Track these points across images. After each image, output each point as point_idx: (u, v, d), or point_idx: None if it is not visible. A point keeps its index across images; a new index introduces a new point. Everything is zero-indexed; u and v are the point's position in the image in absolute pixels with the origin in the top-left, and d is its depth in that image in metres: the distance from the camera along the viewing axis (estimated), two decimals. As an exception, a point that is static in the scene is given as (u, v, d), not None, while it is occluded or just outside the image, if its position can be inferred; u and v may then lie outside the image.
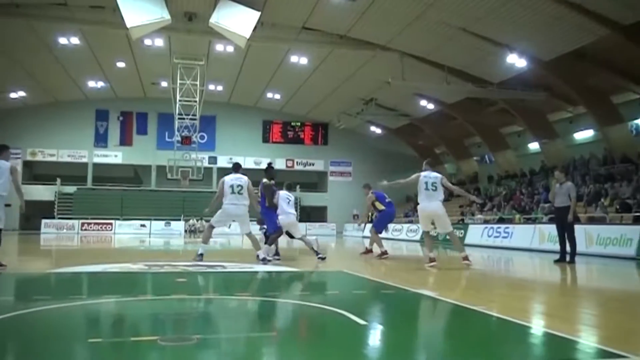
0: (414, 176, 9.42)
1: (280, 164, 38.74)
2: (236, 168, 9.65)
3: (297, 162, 39.41)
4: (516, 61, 21.74)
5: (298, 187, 37.80)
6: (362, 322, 4.20)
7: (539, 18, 18.32)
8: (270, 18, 22.37)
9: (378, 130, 37.41)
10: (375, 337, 3.95)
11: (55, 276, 7.71)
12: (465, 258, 9.02)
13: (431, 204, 9.07)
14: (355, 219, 33.47)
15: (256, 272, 8.35)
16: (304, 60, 27.47)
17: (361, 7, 20.77)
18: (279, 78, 30.94)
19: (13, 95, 31.64)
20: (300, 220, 35.98)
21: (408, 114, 33.34)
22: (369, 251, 12.52)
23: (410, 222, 27.86)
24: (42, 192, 34.20)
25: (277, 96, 35.19)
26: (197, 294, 6.11)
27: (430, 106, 30.46)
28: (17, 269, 8.29)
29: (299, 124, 39.72)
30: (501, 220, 21.73)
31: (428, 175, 9.21)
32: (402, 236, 25.03)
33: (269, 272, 8.37)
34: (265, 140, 39.13)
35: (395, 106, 32.71)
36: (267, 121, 39.11)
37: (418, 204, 9.40)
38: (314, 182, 41.28)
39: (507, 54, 21.46)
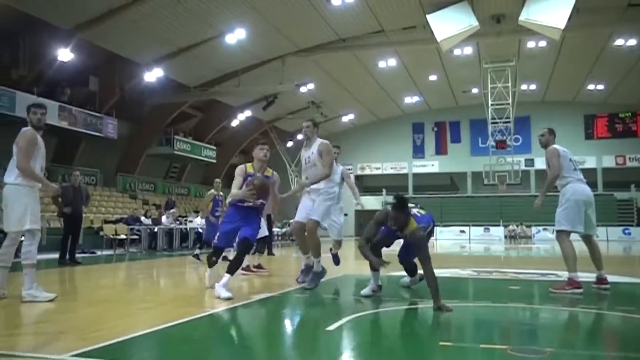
0: (555, 155, 6.40)
1: (608, 162, 34.51)
2: None
3: (629, 158, 34.44)
4: None
5: (632, 186, 33.04)
6: None
7: None
8: (588, 2, 20.21)
9: None
10: None
11: (392, 279, 8.34)
12: (603, 281, 6.20)
13: (587, 188, 6.27)
14: None
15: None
16: (631, 42, 24.01)
17: None
18: (600, 66, 27.70)
19: (344, 118, 36.07)
20: (638, 224, 31.60)
21: None
22: None
23: None
24: (372, 202, 37.81)
25: (600, 86, 31.51)
26: (535, 303, 5.80)
27: None
28: (357, 271, 9.18)
29: (629, 114, 34.70)
30: None
31: (568, 151, 6.54)
32: None
33: (613, 283, 7.43)
34: (589, 136, 35.36)
35: None
36: (589, 115, 35.29)
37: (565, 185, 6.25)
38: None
39: None
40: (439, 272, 8.67)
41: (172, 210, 19.29)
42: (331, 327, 4.07)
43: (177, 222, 18.96)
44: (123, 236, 16.74)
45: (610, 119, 35.06)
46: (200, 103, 28.19)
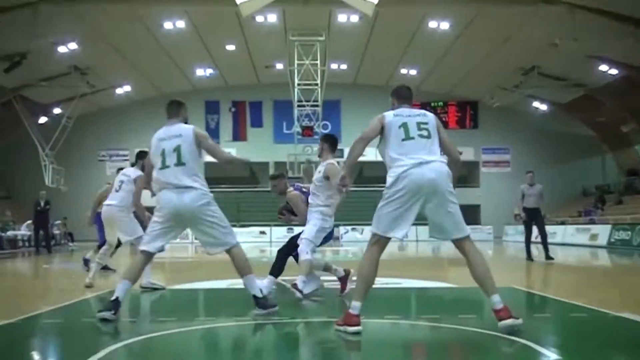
0: (374, 122, 5.15)
1: (419, 154, 38.32)
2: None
3: (440, 151, 38.75)
4: None
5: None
6: (553, 355, 3.95)
7: None
8: (403, -24, 22.23)
9: (543, 107, 35.71)
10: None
11: (180, 293, 8.23)
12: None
13: (424, 172, 4.84)
14: (517, 219, 32.08)
15: (403, 289, 8.28)
16: (445, 25, 26.95)
17: (517, -48, 19.96)
18: (414, 50, 30.61)
19: (119, 90, 34.52)
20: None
21: (582, 84, 31.47)
22: None
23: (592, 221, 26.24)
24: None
25: (413, 72, 34.83)
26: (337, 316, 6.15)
27: (613, 71, 28.48)
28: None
29: (441, 104, 39.05)
30: None
31: (404, 113, 5.25)
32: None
33: (420, 289, 8.27)
34: (401, 126, 38.85)
35: (565, 74, 31.04)
36: (402, 103, 38.84)
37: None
38: (462, 174, 40.28)
39: None
40: (231, 284, 8.75)
41: None
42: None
43: None
44: None
45: (422, 107, 38.01)
46: None
